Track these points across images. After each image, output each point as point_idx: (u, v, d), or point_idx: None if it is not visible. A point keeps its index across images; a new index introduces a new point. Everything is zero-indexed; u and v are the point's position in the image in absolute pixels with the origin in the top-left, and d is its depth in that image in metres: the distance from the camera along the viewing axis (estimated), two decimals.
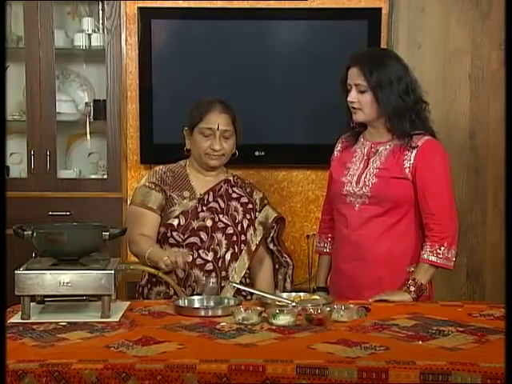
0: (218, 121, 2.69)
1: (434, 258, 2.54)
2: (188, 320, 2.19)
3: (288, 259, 2.87)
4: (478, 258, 4.02)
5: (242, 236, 2.75)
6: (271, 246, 2.86)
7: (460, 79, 3.96)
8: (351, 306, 2.27)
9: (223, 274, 2.69)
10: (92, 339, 2.00)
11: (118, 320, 2.18)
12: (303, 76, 3.89)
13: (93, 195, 3.87)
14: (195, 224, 2.70)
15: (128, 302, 2.41)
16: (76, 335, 2.02)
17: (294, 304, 2.31)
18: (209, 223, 2.71)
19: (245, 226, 2.76)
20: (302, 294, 2.48)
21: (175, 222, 2.69)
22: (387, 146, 2.64)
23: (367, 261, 2.62)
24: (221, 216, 2.74)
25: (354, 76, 2.60)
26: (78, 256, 2.26)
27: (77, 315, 2.21)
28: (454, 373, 1.73)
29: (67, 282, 2.17)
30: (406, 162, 2.59)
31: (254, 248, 2.76)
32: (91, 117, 3.99)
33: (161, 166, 2.82)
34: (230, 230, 2.73)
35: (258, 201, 2.85)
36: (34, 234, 2.24)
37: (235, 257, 2.72)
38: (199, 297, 2.47)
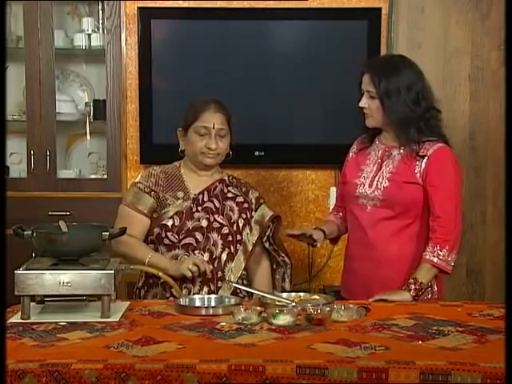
0: (213, 120, 2.69)
1: (434, 259, 2.55)
2: (188, 320, 2.19)
3: (286, 258, 2.84)
4: (478, 258, 4.02)
5: (238, 236, 2.74)
6: (267, 245, 2.83)
7: (460, 79, 3.96)
8: (351, 305, 2.27)
9: (219, 274, 2.67)
10: (92, 339, 2.00)
11: (117, 320, 2.18)
12: (303, 76, 3.89)
13: (93, 195, 3.87)
14: (190, 224, 2.69)
15: (128, 302, 2.41)
16: (76, 335, 2.02)
17: (293, 304, 2.31)
18: (204, 223, 2.70)
19: (240, 225, 2.75)
20: (301, 293, 2.48)
21: (169, 223, 2.68)
22: (401, 151, 2.66)
23: (379, 262, 2.63)
24: (216, 216, 2.72)
25: (366, 83, 2.64)
26: (77, 256, 2.26)
27: (77, 315, 2.21)
28: (453, 373, 1.74)
29: (67, 282, 2.17)
30: (417, 167, 2.60)
31: (250, 247, 2.75)
32: (91, 117, 3.99)
33: (155, 167, 2.81)
34: (225, 230, 2.72)
35: (253, 200, 2.83)
36: (34, 234, 2.24)
37: (231, 257, 2.71)
38: (200, 296, 2.48)
